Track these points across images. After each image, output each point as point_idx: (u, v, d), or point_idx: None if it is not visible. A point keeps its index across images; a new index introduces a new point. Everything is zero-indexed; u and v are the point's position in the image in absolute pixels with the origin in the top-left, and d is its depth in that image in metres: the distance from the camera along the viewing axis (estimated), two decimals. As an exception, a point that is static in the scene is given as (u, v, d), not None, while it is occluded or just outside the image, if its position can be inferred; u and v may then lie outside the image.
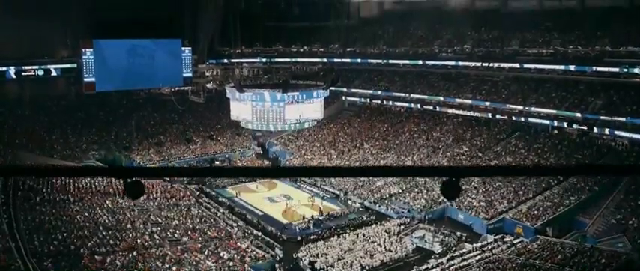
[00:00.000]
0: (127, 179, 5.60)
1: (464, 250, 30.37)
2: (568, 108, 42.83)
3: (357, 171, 12.28)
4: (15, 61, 51.40)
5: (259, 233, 33.50)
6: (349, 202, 40.71)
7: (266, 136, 56.42)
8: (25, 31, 47.40)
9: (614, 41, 42.19)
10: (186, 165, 48.60)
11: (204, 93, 57.64)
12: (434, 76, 55.13)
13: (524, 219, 33.57)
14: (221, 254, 28.91)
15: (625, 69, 39.94)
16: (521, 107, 45.51)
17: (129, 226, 31.54)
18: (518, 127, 46.29)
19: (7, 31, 46.03)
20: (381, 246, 31.12)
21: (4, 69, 51.17)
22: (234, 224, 35.02)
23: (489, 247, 30.25)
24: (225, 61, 64.90)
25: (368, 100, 59.08)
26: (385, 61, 58.11)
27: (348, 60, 61.46)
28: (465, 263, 28.36)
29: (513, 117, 45.87)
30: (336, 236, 33.04)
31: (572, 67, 43.82)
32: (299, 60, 64.30)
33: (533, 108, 44.72)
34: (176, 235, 31.34)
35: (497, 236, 31.90)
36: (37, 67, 52.90)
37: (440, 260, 28.78)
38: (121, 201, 36.11)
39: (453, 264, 28.19)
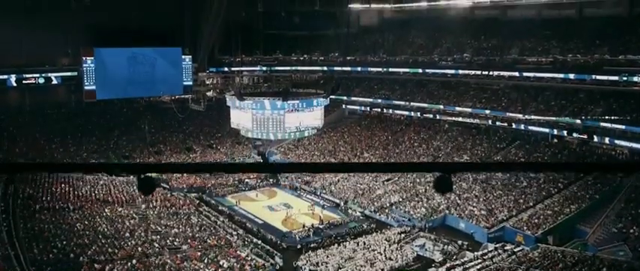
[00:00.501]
0: (139, 174, 5.84)
1: (465, 258, 30.27)
2: (568, 116, 42.85)
3: (348, 166, 12.47)
4: (16, 69, 51.51)
5: (259, 242, 33.39)
6: (349, 211, 40.61)
7: (266, 145, 56.42)
8: (26, 39, 47.50)
9: (613, 50, 42.30)
10: (187, 174, 48.48)
11: (204, 101, 57.70)
12: (434, 85, 55.22)
13: (525, 228, 33.50)
14: (221, 263, 28.80)
15: (624, 78, 40.00)
16: (521, 115, 45.53)
17: (128, 234, 31.46)
18: (518, 136, 46.29)
19: (8, 39, 46.13)
20: (381, 255, 30.99)
21: (5, 77, 51.27)
22: (234, 233, 34.90)
23: (490, 256, 30.12)
24: (226, 69, 65.06)
25: (368, 109, 59.13)
26: (385, 69, 58.22)
27: (348, 68, 61.60)
28: (465, 271, 28.27)
29: (513, 125, 45.86)
30: (336, 245, 32.95)
31: (571, 76, 43.89)
32: (299, 68, 64.47)
33: (533, 116, 44.72)
34: (176, 243, 31.25)
35: (498, 245, 31.82)
36: (37, 75, 53.03)
37: (440, 269, 28.67)
38: (120, 209, 36.08)
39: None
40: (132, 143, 53.38)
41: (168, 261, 28.20)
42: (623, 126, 38.69)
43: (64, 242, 28.35)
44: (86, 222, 32.41)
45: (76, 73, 54.51)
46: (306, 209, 40.96)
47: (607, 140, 39.57)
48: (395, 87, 58.15)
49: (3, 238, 26.57)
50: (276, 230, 36.44)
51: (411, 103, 54.48)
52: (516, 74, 47.70)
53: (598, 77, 41.79)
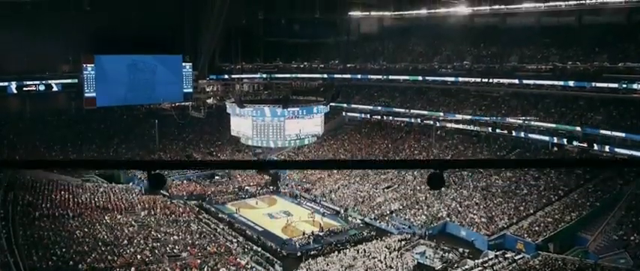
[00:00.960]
0: (150, 171, 6.48)
1: (465, 266, 30.16)
2: (568, 123, 42.87)
3: (341, 163, 12.86)
4: (16, 76, 51.63)
5: (259, 249, 33.28)
6: (350, 218, 40.52)
7: (266, 153, 56.35)
8: (27, 46, 47.65)
9: (612, 57, 42.42)
10: (187, 181, 48.47)
11: (204, 108, 57.78)
12: (434, 92, 55.28)
13: (526, 235, 33.40)
14: (220, 270, 28.67)
15: (624, 85, 40.11)
16: (520, 121, 45.48)
17: (127, 242, 31.35)
18: (518, 144, 46.24)
19: (9, 47, 46.27)
20: (381, 262, 30.86)
21: (6, 84, 51.38)
22: (234, 240, 34.77)
23: (491, 263, 30.04)
24: (226, 76, 65.19)
25: (368, 116, 59.16)
26: (385, 76, 58.36)
27: (348, 76, 61.71)
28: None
29: (513, 133, 45.83)
30: (336, 252, 32.82)
31: (571, 83, 44.00)
32: (299, 76, 64.61)
33: (533, 123, 44.68)
34: (175, 251, 31.12)
35: (498, 253, 31.73)
36: (38, 82, 53.12)
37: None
38: (119, 217, 35.99)
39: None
40: (131, 150, 53.29)
41: (168, 269, 28.06)
42: (623, 134, 38.70)
43: (64, 250, 28.21)
44: (86, 229, 32.28)
45: (76, 80, 54.65)
46: (307, 217, 40.89)
47: (607, 148, 39.53)
48: (395, 94, 58.21)
49: (2, 245, 26.46)
50: (277, 237, 36.35)
51: (411, 110, 54.52)
52: (516, 81, 47.81)
53: (598, 84, 41.92)
